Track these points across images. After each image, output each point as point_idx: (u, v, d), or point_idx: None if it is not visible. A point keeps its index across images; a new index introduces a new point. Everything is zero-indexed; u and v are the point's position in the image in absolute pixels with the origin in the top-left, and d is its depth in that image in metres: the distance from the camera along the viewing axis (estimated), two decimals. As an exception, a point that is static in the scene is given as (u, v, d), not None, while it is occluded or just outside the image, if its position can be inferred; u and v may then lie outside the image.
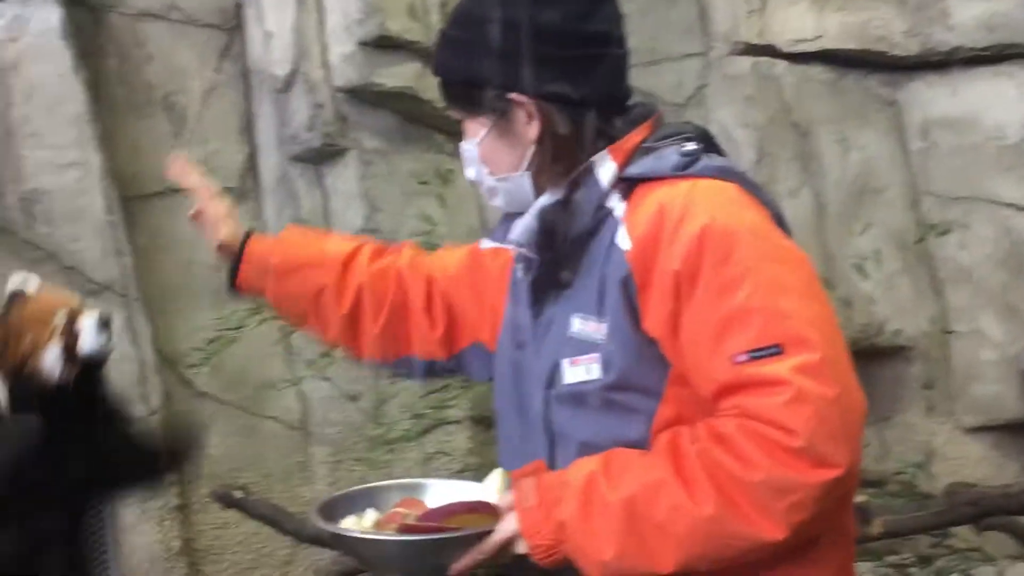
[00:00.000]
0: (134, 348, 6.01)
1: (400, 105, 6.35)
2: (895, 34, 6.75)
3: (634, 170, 1.97)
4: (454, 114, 2.14)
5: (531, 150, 2.03)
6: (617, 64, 2.06)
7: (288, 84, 6.38)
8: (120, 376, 5.82)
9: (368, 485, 2.29)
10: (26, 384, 2.56)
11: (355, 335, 2.37)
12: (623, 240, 1.92)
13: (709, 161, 1.95)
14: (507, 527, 1.90)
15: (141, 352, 6.04)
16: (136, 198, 6.28)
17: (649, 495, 1.79)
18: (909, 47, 6.76)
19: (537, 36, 1.96)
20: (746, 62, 6.84)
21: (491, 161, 2.10)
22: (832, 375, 1.75)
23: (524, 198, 2.06)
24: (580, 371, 2.00)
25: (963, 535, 5.54)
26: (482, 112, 2.05)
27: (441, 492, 2.17)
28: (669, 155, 1.95)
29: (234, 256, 2.40)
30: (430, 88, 5.96)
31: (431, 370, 2.51)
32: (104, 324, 2.58)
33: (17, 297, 2.66)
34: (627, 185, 1.97)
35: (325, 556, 5.19)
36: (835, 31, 6.74)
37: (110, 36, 6.37)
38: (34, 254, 5.79)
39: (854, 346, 5.76)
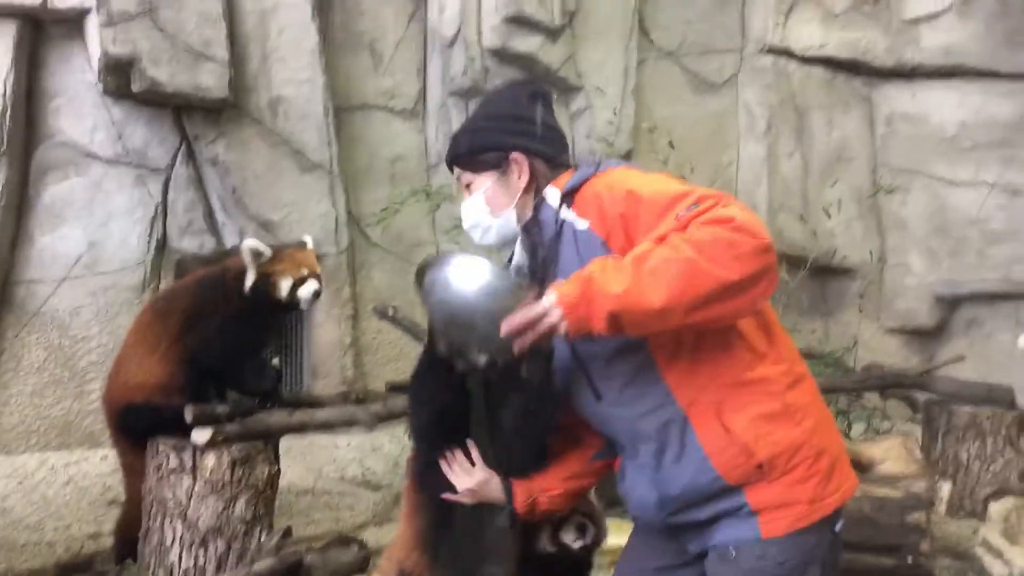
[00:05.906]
0: (333, 208, 7.09)
1: (525, 63, 7.47)
2: (878, 50, 7.93)
3: (570, 184, 2.35)
4: (464, 177, 2.48)
5: (520, 192, 2.39)
6: (561, 135, 2.52)
7: (452, 42, 7.43)
8: (322, 226, 6.87)
9: None
10: (264, 291, 4.10)
11: None
12: (581, 224, 2.27)
13: (607, 161, 2.40)
14: (548, 298, 2.13)
15: (337, 211, 7.11)
16: (343, 108, 7.39)
17: (646, 253, 2.06)
18: (886, 60, 7.97)
19: (522, 120, 2.43)
20: (768, 59, 8.00)
21: (493, 203, 2.43)
22: (740, 204, 2.10)
23: (510, 230, 2.43)
24: None
25: (872, 399, 6.43)
26: (487, 169, 2.43)
27: None
28: (584, 169, 2.35)
29: None
30: (547, 54, 7.28)
31: None
32: (316, 295, 4.17)
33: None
34: (569, 198, 2.32)
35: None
36: (835, 44, 7.89)
37: (338, -2, 7.33)
38: (274, 139, 6.85)
39: (815, 264, 6.79)
